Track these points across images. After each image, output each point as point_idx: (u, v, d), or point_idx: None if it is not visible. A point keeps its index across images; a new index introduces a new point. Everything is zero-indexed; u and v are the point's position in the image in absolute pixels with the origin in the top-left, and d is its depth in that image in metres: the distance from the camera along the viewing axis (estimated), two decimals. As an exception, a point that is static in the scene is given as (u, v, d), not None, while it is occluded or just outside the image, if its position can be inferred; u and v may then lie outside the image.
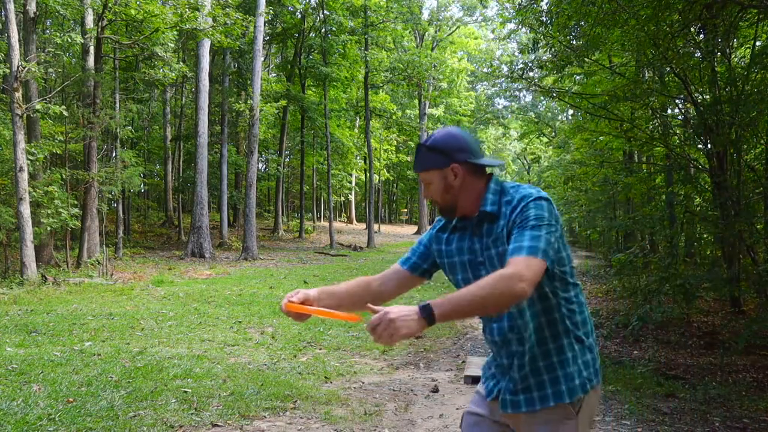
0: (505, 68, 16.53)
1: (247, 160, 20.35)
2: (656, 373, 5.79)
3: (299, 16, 27.42)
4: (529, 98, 39.04)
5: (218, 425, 4.07)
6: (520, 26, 13.07)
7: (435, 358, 6.52)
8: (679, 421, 4.41)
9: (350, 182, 40.81)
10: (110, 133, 17.04)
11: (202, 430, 3.99)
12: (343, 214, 46.03)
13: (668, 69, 7.71)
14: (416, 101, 38.85)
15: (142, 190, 32.57)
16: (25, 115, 12.01)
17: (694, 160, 8.62)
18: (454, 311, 1.48)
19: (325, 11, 26.22)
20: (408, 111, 39.38)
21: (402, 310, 1.47)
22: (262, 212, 35.78)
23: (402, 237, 33.95)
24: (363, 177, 40.16)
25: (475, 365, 5.63)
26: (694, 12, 6.63)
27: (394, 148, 41.91)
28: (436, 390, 5.14)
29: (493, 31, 37.62)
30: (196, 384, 4.93)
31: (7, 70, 11.62)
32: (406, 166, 45.76)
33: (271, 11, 21.68)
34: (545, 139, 34.49)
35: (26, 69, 11.68)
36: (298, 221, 31.08)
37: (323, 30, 26.54)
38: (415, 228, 39.37)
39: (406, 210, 51.36)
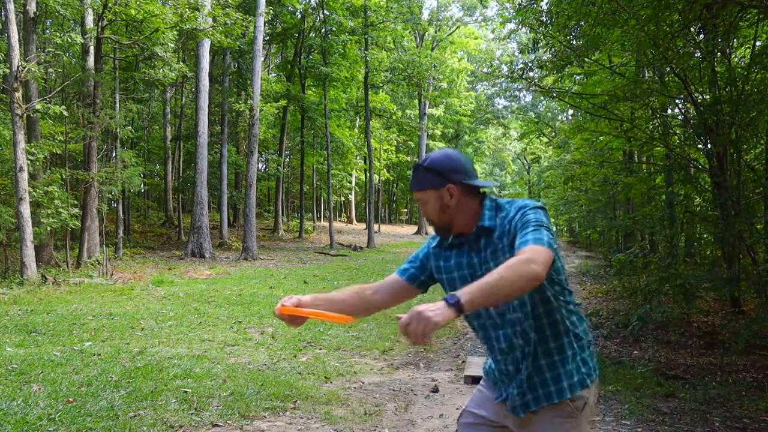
0: (505, 68, 16.52)
1: (247, 160, 20.35)
2: (656, 373, 5.79)
3: (299, 16, 27.42)
4: (529, 98, 39.04)
5: (218, 425, 4.07)
6: (520, 26, 13.07)
7: (435, 358, 6.52)
8: (679, 421, 4.41)
9: (350, 182, 40.80)
10: (110, 133, 17.04)
11: (202, 430, 3.99)
12: (343, 214, 46.01)
13: (668, 69, 7.71)
14: (416, 101, 38.85)
15: (142, 190, 32.57)
16: (25, 115, 12.01)
17: (694, 160, 8.62)
18: (481, 297, 1.49)
19: (325, 11, 26.22)
20: (408, 111, 39.37)
21: (428, 304, 1.48)
22: (262, 212, 35.78)
23: (402, 237, 33.95)
24: (363, 177, 40.15)
25: (475, 365, 5.63)
26: (694, 12, 6.63)
27: (394, 148, 41.90)
28: (436, 390, 5.14)
29: (493, 31, 37.62)
30: (196, 384, 4.93)
31: (7, 70, 11.63)
32: (406, 166, 45.75)
33: (271, 11, 21.68)
34: (545, 139, 34.47)
35: (26, 69, 11.68)
36: (298, 221, 31.08)
37: (323, 30, 26.54)
38: (415, 228, 39.36)
39: (406, 210, 51.35)
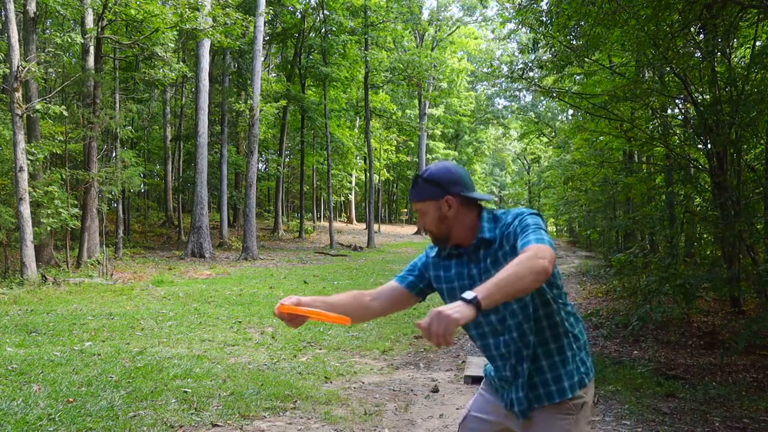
0: (505, 68, 16.51)
1: (247, 160, 20.35)
2: (656, 373, 5.79)
3: (299, 16, 27.41)
4: (529, 98, 39.05)
5: (218, 425, 4.07)
6: (520, 26, 13.07)
7: (435, 358, 6.51)
8: (679, 421, 4.41)
9: (350, 182, 40.79)
10: (110, 133, 17.03)
11: (202, 430, 3.99)
12: (343, 214, 46.00)
13: (668, 69, 7.71)
14: (416, 101, 38.85)
15: (142, 190, 32.57)
16: (25, 115, 12.01)
17: (694, 160, 8.61)
18: (498, 292, 1.52)
19: (325, 11, 26.22)
20: (408, 111, 39.37)
21: (446, 305, 1.50)
22: (262, 212, 35.78)
23: (402, 237, 33.94)
24: (363, 177, 40.14)
25: (475, 365, 5.63)
26: (694, 12, 6.63)
27: (394, 148, 41.89)
28: (436, 390, 5.13)
29: (493, 31, 37.62)
30: (196, 384, 4.93)
31: (7, 70, 11.63)
32: (406, 166, 45.74)
33: (271, 11, 21.68)
34: (545, 139, 34.48)
35: (26, 69, 11.68)
36: (298, 221, 31.08)
37: (323, 30, 26.53)
38: (414, 228, 39.35)
39: (406, 210, 51.31)
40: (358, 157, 36.63)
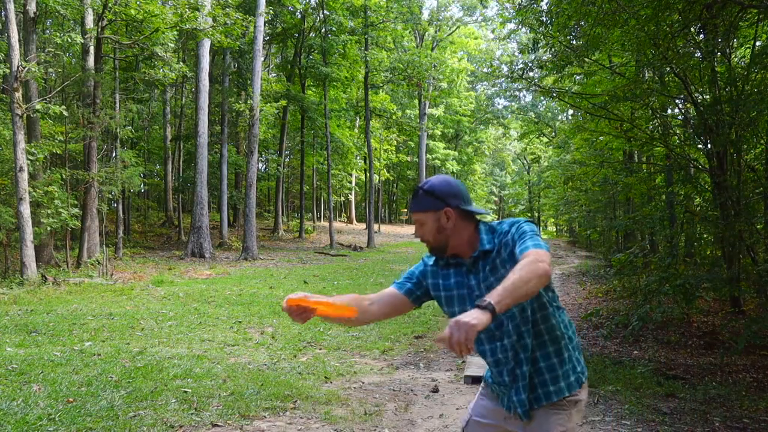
0: (505, 68, 16.52)
1: (247, 160, 20.35)
2: (656, 373, 5.79)
3: (299, 16, 27.42)
4: (529, 98, 39.03)
5: (218, 425, 4.07)
6: (520, 26, 13.08)
7: (435, 358, 6.51)
8: (679, 421, 4.41)
9: (350, 182, 40.79)
10: (110, 133, 17.04)
11: (202, 430, 3.99)
12: (343, 214, 46.00)
13: (668, 69, 7.71)
14: (416, 101, 38.85)
15: (142, 190, 32.57)
16: (25, 115, 12.01)
17: (694, 160, 8.61)
18: (510, 297, 1.60)
19: (325, 11, 26.22)
20: (408, 111, 39.36)
21: (463, 315, 1.57)
22: (262, 212, 35.77)
23: (402, 237, 33.94)
24: (363, 177, 40.14)
25: (475, 365, 5.62)
26: (694, 12, 6.63)
27: (394, 148, 41.89)
28: (436, 390, 5.13)
29: (493, 31, 37.62)
30: (196, 384, 4.93)
31: (7, 70, 11.63)
32: (406, 166, 45.73)
33: (271, 11, 21.68)
34: (545, 139, 34.50)
35: (26, 69, 11.68)
36: (298, 221, 31.08)
37: (323, 30, 26.54)
38: (414, 228, 39.28)
39: (406, 210, 51.31)
40: (358, 157, 36.63)
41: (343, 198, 43.31)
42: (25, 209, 11.29)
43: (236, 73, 25.74)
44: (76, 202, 13.74)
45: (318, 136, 30.21)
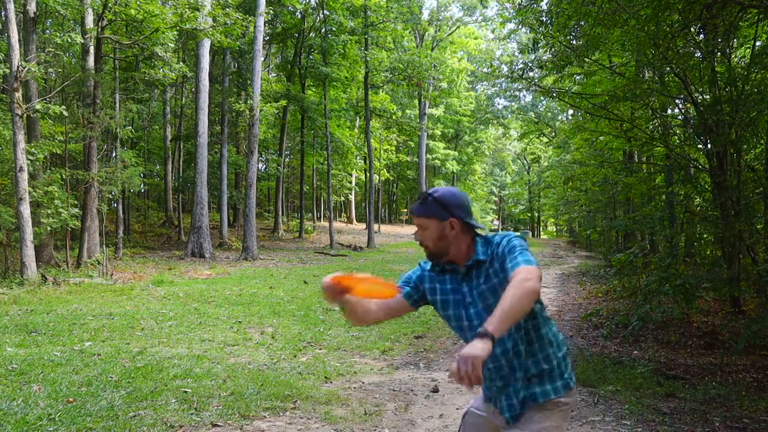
0: (505, 68, 16.52)
1: (247, 160, 20.35)
2: (656, 373, 5.79)
3: (299, 16, 27.41)
4: (529, 98, 39.07)
5: (218, 425, 4.07)
6: (520, 26, 13.08)
7: (435, 358, 6.51)
8: (679, 421, 4.41)
9: (350, 182, 40.79)
10: (110, 133, 17.04)
11: (202, 430, 3.99)
12: (343, 214, 46.00)
13: (668, 69, 7.71)
14: (416, 101, 38.83)
15: (142, 190, 32.58)
16: (25, 115, 12.01)
17: (694, 160, 8.61)
18: (506, 322, 1.70)
19: (325, 11, 26.22)
20: (408, 111, 39.35)
21: (466, 347, 1.66)
22: (262, 212, 35.77)
23: (402, 237, 33.93)
24: (363, 177, 40.14)
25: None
26: (694, 12, 6.63)
27: (394, 148, 41.88)
28: (436, 390, 5.13)
29: (493, 31, 37.63)
30: (196, 384, 4.93)
31: (7, 70, 11.63)
32: (406, 166, 45.72)
33: (271, 11, 21.68)
34: (545, 139, 34.52)
35: (26, 69, 11.68)
36: (298, 221, 31.07)
37: (323, 30, 26.53)
38: (414, 228, 39.26)
39: (406, 210, 51.32)
40: (358, 157, 36.63)
41: (343, 198, 43.31)
42: (25, 209, 11.29)
43: (236, 73, 25.74)
44: (76, 202, 13.74)
45: (318, 136, 30.21)
